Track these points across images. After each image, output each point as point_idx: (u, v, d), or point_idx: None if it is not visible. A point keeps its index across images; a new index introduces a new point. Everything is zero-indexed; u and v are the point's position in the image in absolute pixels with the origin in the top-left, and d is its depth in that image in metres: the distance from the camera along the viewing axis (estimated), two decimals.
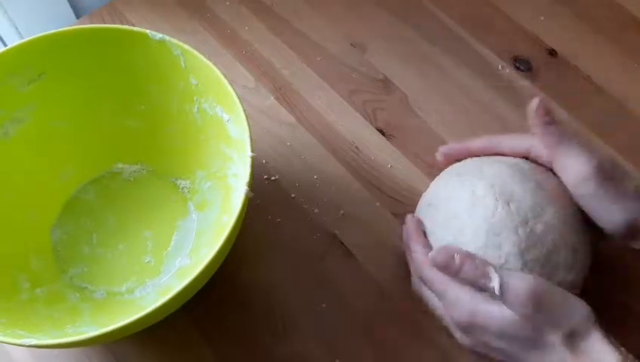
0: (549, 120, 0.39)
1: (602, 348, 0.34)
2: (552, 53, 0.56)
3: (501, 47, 0.57)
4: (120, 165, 0.49)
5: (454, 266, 0.37)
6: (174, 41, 0.42)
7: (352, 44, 0.57)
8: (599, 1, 0.59)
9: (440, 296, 0.39)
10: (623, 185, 0.37)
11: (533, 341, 0.35)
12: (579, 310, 0.35)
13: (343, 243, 0.47)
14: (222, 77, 0.41)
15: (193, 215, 0.48)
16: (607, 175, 0.37)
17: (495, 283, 0.35)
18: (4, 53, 0.42)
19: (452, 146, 0.45)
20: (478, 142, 0.44)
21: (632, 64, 0.56)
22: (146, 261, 0.46)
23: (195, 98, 0.45)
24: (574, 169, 0.38)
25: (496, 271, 0.36)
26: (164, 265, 0.46)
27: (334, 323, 0.44)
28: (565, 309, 0.35)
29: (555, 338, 0.35)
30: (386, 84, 0.55)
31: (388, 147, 0.51)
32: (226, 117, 0.42)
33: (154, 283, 0.45)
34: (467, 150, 0.44)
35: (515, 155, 0.42)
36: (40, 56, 0.43)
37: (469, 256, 0.37)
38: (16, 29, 0.59)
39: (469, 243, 0.38)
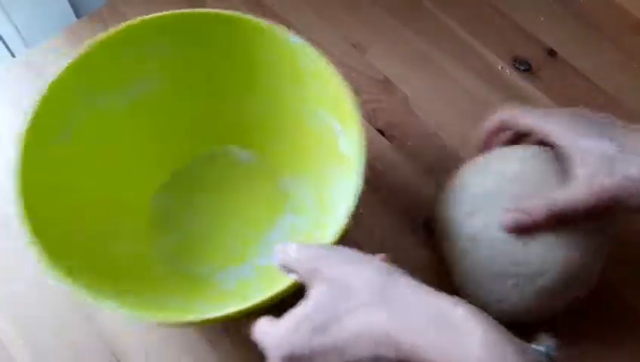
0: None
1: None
2: (552, 53, 0.57)
3: (501, 47, 0.57)
4: (231, 147, 0.49)
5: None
6: (312, 48, 0.42)
7: (352, 45, 0.57)
8: (599, 1, 0.60)
9: None
10: None
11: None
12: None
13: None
14: (346, 92, 0.40)
15: (288, 216, 0.47)
16: None
17: None
18: (133, 25, 0.43)
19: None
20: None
21: (632, 64, 0.56)
22: (233, 248, 0.46)
23: (312, 103, 0.44)
24: None
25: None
26: (248, 257, 0.45)
27: None
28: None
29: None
30: (386, 84, 0.55)
31: (388, 147, 0.51)
32: (338, 128, 0.42)
33: (235, 270, 0.45)
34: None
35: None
36: (171, 34, 0.44)
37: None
38: (17, 28, 0.59)
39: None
